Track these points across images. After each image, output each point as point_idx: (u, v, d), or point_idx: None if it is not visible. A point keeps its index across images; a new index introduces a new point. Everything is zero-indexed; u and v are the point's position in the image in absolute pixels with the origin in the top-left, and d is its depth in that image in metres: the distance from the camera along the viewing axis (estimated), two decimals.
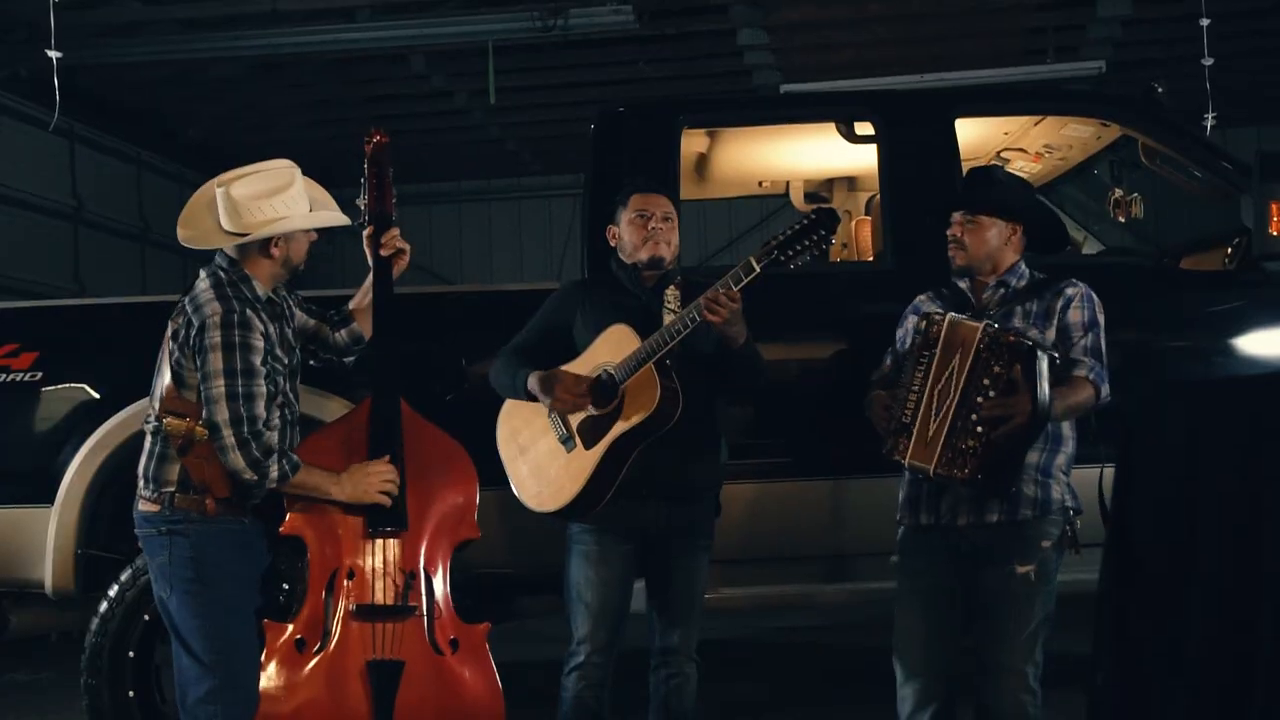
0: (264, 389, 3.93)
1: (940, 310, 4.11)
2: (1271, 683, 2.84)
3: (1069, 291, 4.14)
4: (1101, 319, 4.13)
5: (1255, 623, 2.89)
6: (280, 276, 4.12)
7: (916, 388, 3.96)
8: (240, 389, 3.87)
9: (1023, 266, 4.23)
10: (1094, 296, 4.16)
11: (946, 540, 4.08)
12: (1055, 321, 4.10)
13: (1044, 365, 3.82)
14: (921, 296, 4.35)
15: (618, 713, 4.42)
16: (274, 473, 3.92)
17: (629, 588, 4.32)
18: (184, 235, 4.09)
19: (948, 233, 4.19)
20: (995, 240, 4.17)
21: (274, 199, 4.02)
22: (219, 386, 3.87)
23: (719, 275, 4.02)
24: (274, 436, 3.95)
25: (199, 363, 3.90)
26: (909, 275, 4.53)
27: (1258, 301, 5.05)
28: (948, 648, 4.10)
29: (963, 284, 4.25)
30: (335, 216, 4.18)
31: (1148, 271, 5.32)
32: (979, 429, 3.82)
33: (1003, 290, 4.19)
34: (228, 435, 3.86)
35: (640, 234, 4.34)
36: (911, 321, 4.30)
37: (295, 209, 4.05)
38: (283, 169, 4.09)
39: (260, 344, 3.94)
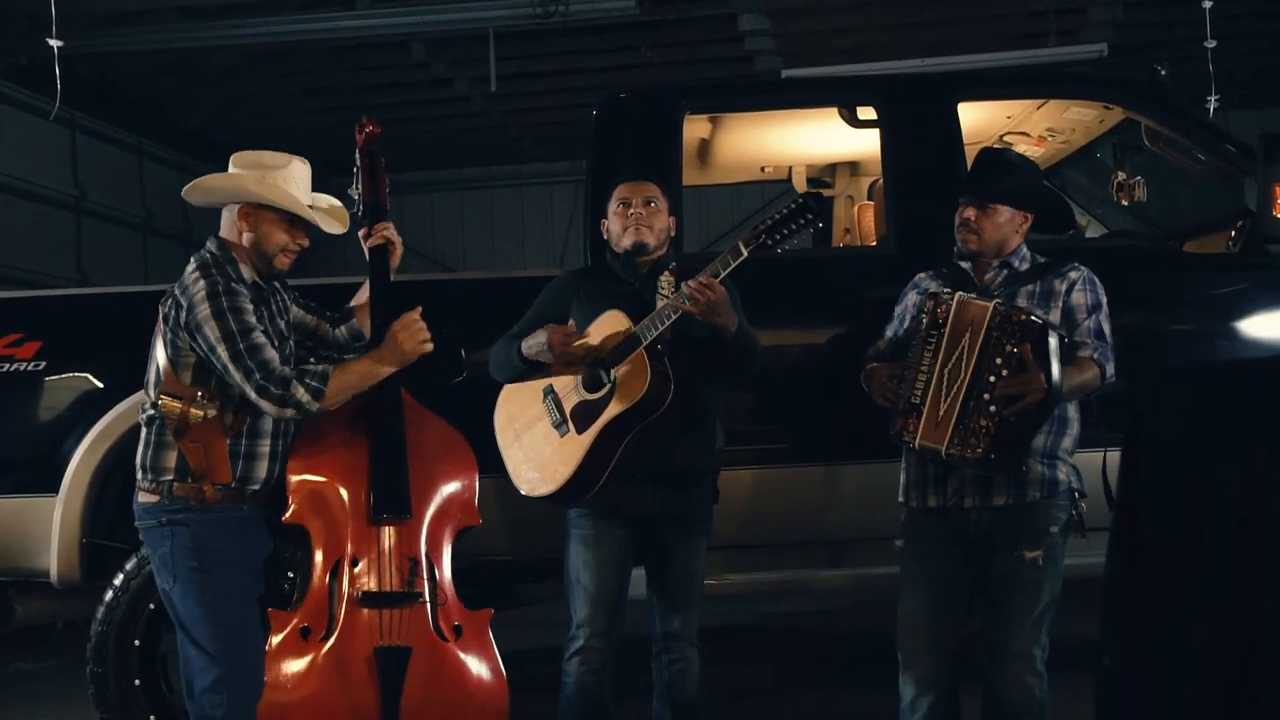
0: (264, 338, 3.92)
1: (947, 289, 4.11)
2: (1275, 673, 2.83)
3: (1072, 275, 4.15)
4: (1105, 301, 4.14)
5: (1258, 611, 2.89)
6: (257, 266, 4.10)
7: (925, 368, 3.95)
8: (242, 345, 3.87)
9: (1024, 249, 4.23)
10: (1096, 280, 4.17)
11: (952, 524, 4.08)
12: (1059, 304, 4.11)
13: (1054, 344, 3.83)
14: (922, 274, 4.35)
15: (622, 698, 4.42)
16: (303, 395, 3.89)
17: (626, 571, 4.33)
18: (188, 191, 4.16)
19: (961, 215, 4.18)
20: (1008, 227, 4.18)
21: (260, 167, 4.07)
22: (223, 352, 3.87)
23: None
24: (285, 369, 3.91)
25: (197, 341, 3.90)
26: (911, 260, 4.52)
27: (1262, 284, 5.04)
28: (952, 633, 4.10)
29: (964, 264, 4.25)
30: (301, 208, 4.07)
31: (1152, 254, 5.31)
32: (992, 408, 3.81)
33: (1006, 271, 4.19)
34: (249, 391, 3.87)
35: (621, 222, 4.36)
36: (912, 298, 4.29)
37: (277, 186, 4.05)
38: (286, 157, 4.11)
39: (249, 306, 3.94)
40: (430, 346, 4.07)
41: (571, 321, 4.26)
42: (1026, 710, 3.99)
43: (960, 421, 3.85)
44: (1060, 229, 4.47)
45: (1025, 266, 4.20)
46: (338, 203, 4.27)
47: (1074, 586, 4.12)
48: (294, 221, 4.08)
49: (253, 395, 3.87)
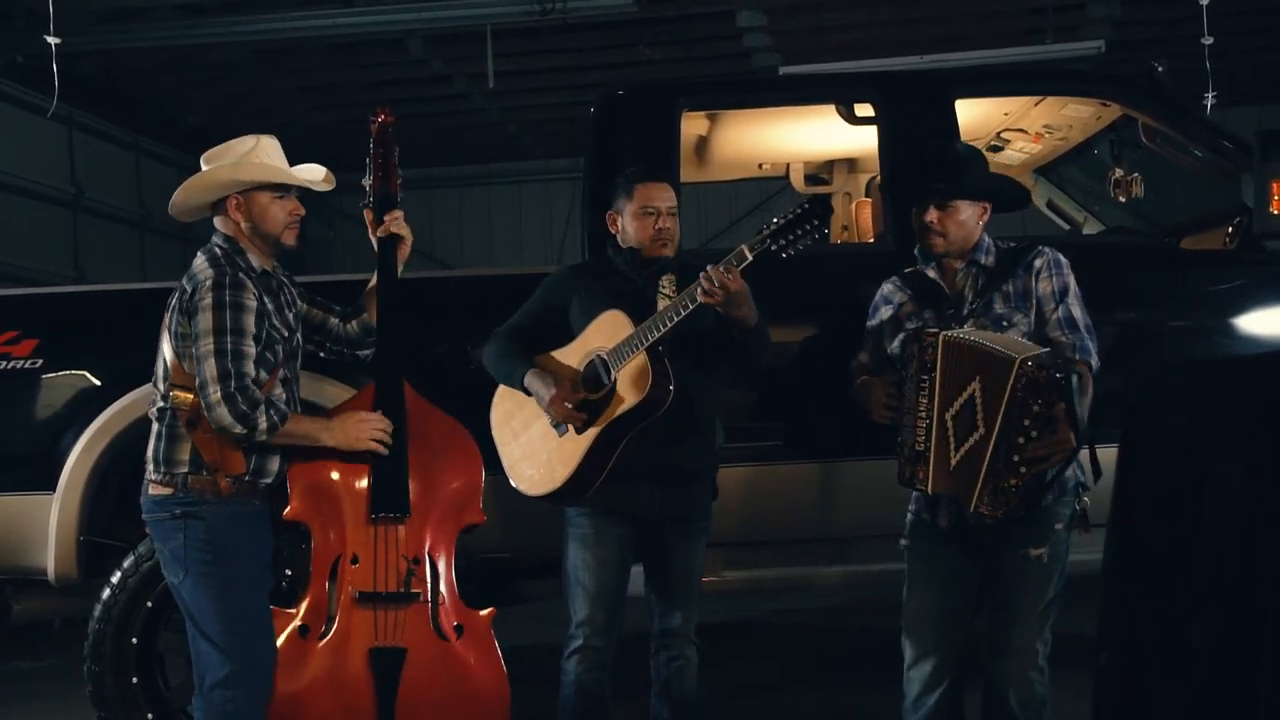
0: (254, 350, 3.93)
1: (916, 307, 4.08)
2: (1275, 671, 2.83)
3: (1036, 263, 4.08)
4: (1072, 282, 4.06)
5: (1258, 609, 2.88)
6: (266, 252, 4.12)
7: (924, 413, 3.88)
8: (229, 346, 3.88)
9: (986, 239, 4.16)
10: (1061, 260, 4.09)
11: (964, 532, 4.06)
12: (1034, 299, 4.04)
13: (1075, 386, 3.73)
14: (888, 285, 4.28)
15: (621, 696, 4.42)
16: (263, 423, 3.89)
17: (626, 570, 4.32)
18: (172, 207, 4.20)
19: (921, 220, 4.09)
20: (971, 221, 4.10)
21: (231, 155, 4.09)
22: (208, 344, 3.88)
23: (716, 259, 4.01)
24: (259, 392, 3.92)
25: (192, 325, 3.91)
26: (909, 257, 4.51)
27: (1259, 281, 5.04)
28: (957, 632, 4.09)
29: (930, 271, 4.18)
30: (286, 174, 4.12)
31: (1149, 251, 5.30)
32: (1022, 469, 3.73)
33: (974, 269, 4.13)
34: (213, 391, 3.85)
35: (646, 232, 4.30)
36: (885, 312, 4.23)
37: (255, 164, 4.08)
38: (253, 138, 4.12)
39: (253, 305, 3.95)
40: (382, 450, 4.13)
41: (579, 394, 4.17)
42: (1027, 705, 3.98)
43: (990, 480, 3.76)
44: (1017, 207, 4.42)
45: (990, 259, 4.12)
46: (318, 166, 4.26)
47: (1076, 583, 4.12)
48: (284, 193, 4.10)
49: (215, 396, 3.85)
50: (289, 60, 12.40)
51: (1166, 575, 3.17)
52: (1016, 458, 3.73)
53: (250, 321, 3.93)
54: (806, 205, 3.97)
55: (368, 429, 4.12)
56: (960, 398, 3.83)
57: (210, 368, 3.86)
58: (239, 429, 3.87)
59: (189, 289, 3.95)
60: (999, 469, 3.75)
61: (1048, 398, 3.70)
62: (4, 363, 4.90)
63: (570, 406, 4.14)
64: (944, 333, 3.90)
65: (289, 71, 12.81)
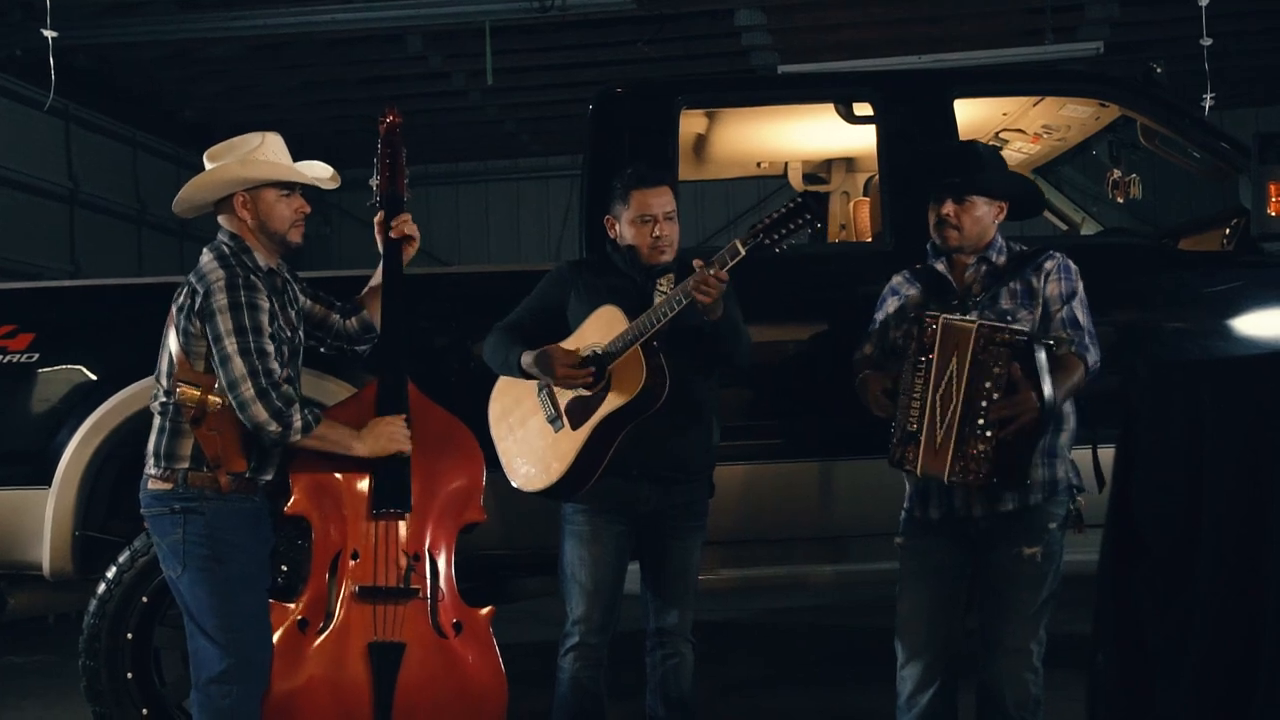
0: (272, 349, 3.93)
1: (924, 299, 4.09)
2: (1274, 671, 2.83)
3: (1046, 265, 4.11)
4: (1080, 287, 4.09)
5: (1259, 607, 2.89)
6: (272, 250, 4.11)
7: (918, 394, 3.91)
8: (252, 345, 3.88)
9: (1000, 239, 4.19)
10: (1071, 265, 4.13)
11: (954, 525, 4.07)
12: (1040, 300, 4.07)
13: (1042, 356, 3.79)
14: (898, 278, 4.32)
15: (616, 693, 4.42)
16: (298, 422, 3.91)
17: (622, 567, 4.32)
18: (176, 205, 4.18)
19: (938, 213, 4.13)
20: (987, 219, 4.14)
21: (236, 153, 4.08)
22: (231, 344, 3.87)
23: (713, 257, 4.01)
24: (292, 389, 3.94)
25: (208, 328, 3.90)
26: (907, 256, 4.51)
27: (1256, 282, 5.04)
28: (950, 629, 4.09)
29: (940, 265, 4.21)
30: (295, 172, 4.12)
31: (1147, 252, 5.31)
32: (988, 433, 3.76)
33: (984, 267, 4.15)
34: (246, 389, 3.86)
35: (644, 239, 4.28)
36: (892, 304, 4.26)
37: (262, 161, 4.07)
38: (258, 135, 4.12)
39: (266, 305, 3.95)
40: (405, 449, 4.14)
41: (576, 356, 4.17)
42: (1022, 705, 3.98)
43: (958, 448, 3.80)
44: (1033, 213, 4.44)
45: (1002, 259, 4.16)
46: (324, 164, 4.26)
47: (1071, 583, 4.12)
48: (290, 190, 4.09)
49: (249, 393, 3.85)
50: (287, 55, 12.38)
51: (1164, 575, 3.17)
52: (981, 420, 3.77)
53: (265, 321, 3.93)
54: (799, 200, 3.97)
55: (394, 438, 4.13)
56: (945, 376, 3.87)
57: (237, 367, 3.86)
58: (274, 426, 3.88)
59: (200, 289, 3.94)
60: (965, 434, 3.79)
61: (1006, 358, 3.75)
62: (0, 356, 4.90)
63: (572, 370, 4.12)
64: (944, 315, 3.93)
65: (287, 67, 12.77)
